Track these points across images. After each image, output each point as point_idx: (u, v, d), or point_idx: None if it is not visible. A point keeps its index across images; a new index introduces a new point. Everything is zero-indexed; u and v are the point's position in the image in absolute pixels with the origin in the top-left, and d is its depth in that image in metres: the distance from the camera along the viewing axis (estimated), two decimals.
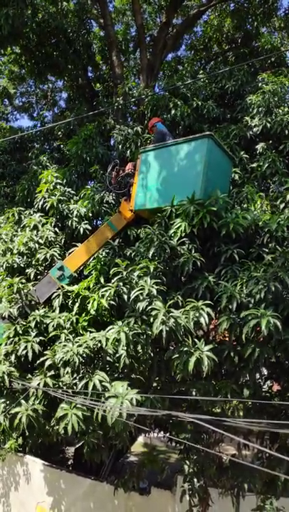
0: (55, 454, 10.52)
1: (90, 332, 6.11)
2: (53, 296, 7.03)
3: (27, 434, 6.01)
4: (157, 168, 6.88)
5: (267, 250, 6.07)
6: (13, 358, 6.26)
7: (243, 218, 5.98)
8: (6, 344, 6.50)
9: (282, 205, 7.13)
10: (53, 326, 6.39)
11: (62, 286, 7.03)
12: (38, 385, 5.86)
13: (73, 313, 6.55)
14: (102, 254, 7.22)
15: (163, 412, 4.37)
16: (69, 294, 6.83)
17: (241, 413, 6.40)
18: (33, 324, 6.53)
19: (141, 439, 13.13)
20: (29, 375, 6.35)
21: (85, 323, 6.38)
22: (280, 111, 8.34)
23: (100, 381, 5.43)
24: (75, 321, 6.45)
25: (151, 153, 7.07)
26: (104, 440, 5.91)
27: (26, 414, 5.73)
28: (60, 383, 5.89)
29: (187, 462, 6.58)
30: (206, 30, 13.06)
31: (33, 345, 6.17)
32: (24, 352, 6.12)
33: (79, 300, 6.60)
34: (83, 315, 6.50)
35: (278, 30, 12.95)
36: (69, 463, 10.87)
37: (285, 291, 5.44)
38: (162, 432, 7.97)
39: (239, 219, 5.91)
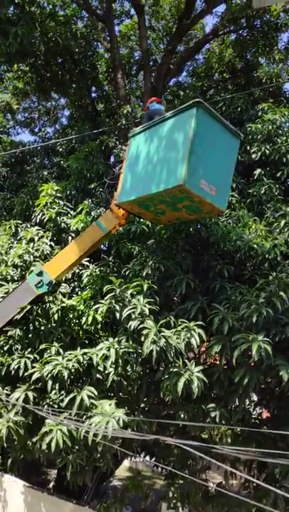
0: (37, 475, 10.20)
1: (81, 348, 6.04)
2: (53, 309, 6.62)
3: (7, 447, 5.85)
4: (143, 151, 5.80)
5: (260, 273, 6.13)
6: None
7: (238, 238, 6.07)
8: None
9: (276, 231, 7.22)
10: (44, 338, 6.30)
11: (41, 295, 6.46)
12: (19, 398, 5.71)
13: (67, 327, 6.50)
14: (96, 271, 7.20)
15: (150, 436, 4.28)
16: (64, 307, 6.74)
17: (229, 439, 6.30)
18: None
19: (126, 462, 12.80)
20: (9, 388, 6.19)
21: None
22: (279, 140, 8.55)
23: (89, 396, 5.34)
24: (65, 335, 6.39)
25: (139, 136, 6.03)
26: (88, 462, 5.76)
27: (7, 426, 5.58)
28: (48, 399, 5.77)
29: (172, 488, 6.41)
30: (208, 58, 13.49)
31: (26, 362, 6.04)
32: (16, 366, 6.00)
33: (75, 314, 6.56)
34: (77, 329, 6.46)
35: (278, 62, 13.42)
36: (50, 485, 10.52)
37: (277, 316, 5.45)
38: (148, 456, 7.78)
39: (230, 234, 5.98)
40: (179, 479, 6.46)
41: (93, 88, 14.59)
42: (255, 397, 6.57)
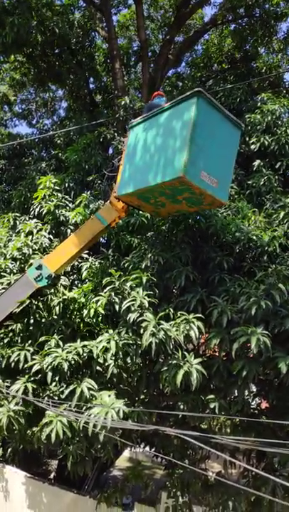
0: (38, 466, 10.30)
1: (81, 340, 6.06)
2: (54, 303, 6.63)
3: (7, 438, 5.89)
4: (143, 142, 5.71)
5: (259, 265, 6.13)
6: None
7: (238, 230, 6.06)
8: None
9: (276, 223, 7.20)
10: (45, 331, 6.32)
11: (40, 289, 6.45)
12: (19, 390, 5.74)
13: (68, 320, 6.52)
14: (95, 263, 7.19)
15: (150, 426, 4.32)
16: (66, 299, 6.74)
17: (228, 430, 6.35)
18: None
19: (126, 453, 12.94)
20: (10, 380, 6.22)
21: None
22: (278, 130, 8.50)
23: (88, 388, 5.37)
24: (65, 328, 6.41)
25: (139, 127, 5.93)
26: (89, 452, 5.82)
27: (7, 415, 5.63)
28: (48, 391, 5.80)
29: (172, 478, 6.48)
30: (207, 48, 13.36)
31: (26, 354, 6.07)
32: (16, 359, 6.02)
33: (76, 306, 6.57)
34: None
35: (277, 52, 13.29)
36: (51, 476, 10.64)
37: (276, 308, 5.46)
38: (148, 447, 7.85)
39: (229, 226, 5.98)
40: (178, 469, 6.52)
41: (91, 79, 14.45)
42: (254, 388, 6.62)
